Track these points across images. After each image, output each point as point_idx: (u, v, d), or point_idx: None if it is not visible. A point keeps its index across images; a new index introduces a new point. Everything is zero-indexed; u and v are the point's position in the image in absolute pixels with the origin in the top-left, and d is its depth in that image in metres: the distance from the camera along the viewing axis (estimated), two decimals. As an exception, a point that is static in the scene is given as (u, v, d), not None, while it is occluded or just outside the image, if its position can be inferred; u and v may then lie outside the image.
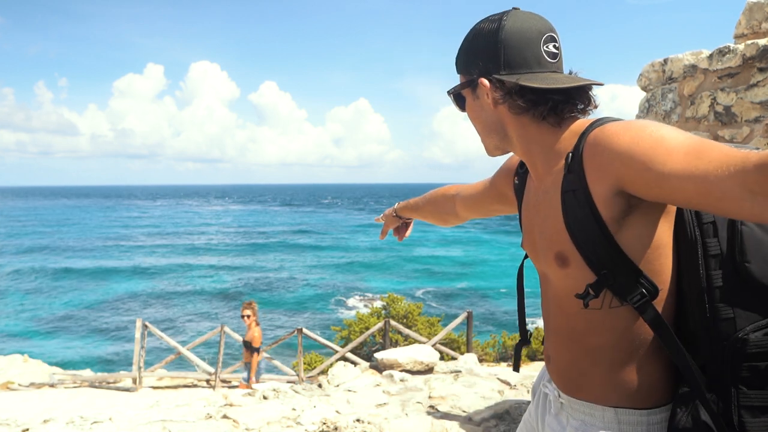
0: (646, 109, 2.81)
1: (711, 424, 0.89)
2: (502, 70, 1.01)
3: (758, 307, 0.90)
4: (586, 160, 0.95)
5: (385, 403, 4.87)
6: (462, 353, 8.43)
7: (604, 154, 0.91)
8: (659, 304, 0.98)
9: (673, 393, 1.01)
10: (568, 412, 1.11)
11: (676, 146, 0.82)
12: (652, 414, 1.01)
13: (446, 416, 4.35)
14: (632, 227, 0.95)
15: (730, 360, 0.89)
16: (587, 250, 0.96)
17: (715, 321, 0.91)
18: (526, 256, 1.26)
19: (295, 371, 8.66)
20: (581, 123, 1.02)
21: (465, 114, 1.14)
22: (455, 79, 1.13)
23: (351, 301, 28.00)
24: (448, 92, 1.14)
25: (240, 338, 8.93)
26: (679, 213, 0.98)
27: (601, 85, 1.02)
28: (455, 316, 10.07)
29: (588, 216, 0.94)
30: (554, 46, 1.02)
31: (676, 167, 0.80)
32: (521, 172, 1.23)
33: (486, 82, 1.02)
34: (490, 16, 1.06)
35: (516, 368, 1.41)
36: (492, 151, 1.13)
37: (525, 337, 1.36)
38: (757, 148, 0.80)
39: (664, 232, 0.97)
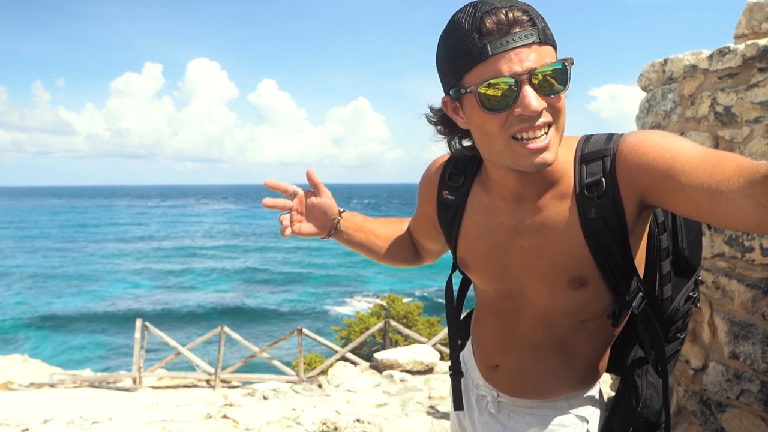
0: (646, 110, 2.81)
1: (658, 380, 1.08)
2: None
3: (685, 280, 1.11)
4: (622, 181, 0.91)
5: (385, 403, 4.87)
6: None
7: (631, 169, 0.89)
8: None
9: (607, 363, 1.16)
10: (509, 409, 1.14)
11: (694, 156, 0.82)
12: (594, 387, 1.13)
13: (446, 416, 4.35)
14: (635, 236, 0.97)
15: (665, 326, 1.11)
16: (610, 271, 0.96)
17: (661, 302, 1.08)
18: (452, 275, 1.20)
19: (295, 371, 8.66)
20: (567, 140, 0.98)
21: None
22: None
23: (351, 301, 28.00)
24: None
25: (241, 339, 8.93)
26: None
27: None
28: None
29: (618, 241, 0.93)
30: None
31: (692, 177, 0.80)
32: (456, 186, 1.11)
33: None
34: None
35: (460, 406, 1.23)
36: None
37: (459, 369, 1.26)
38: None
39: (645, 234, 1.01)
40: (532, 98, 0.84)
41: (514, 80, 0.83)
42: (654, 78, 2.72)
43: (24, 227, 66.89)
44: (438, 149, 1.10)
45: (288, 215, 1.22)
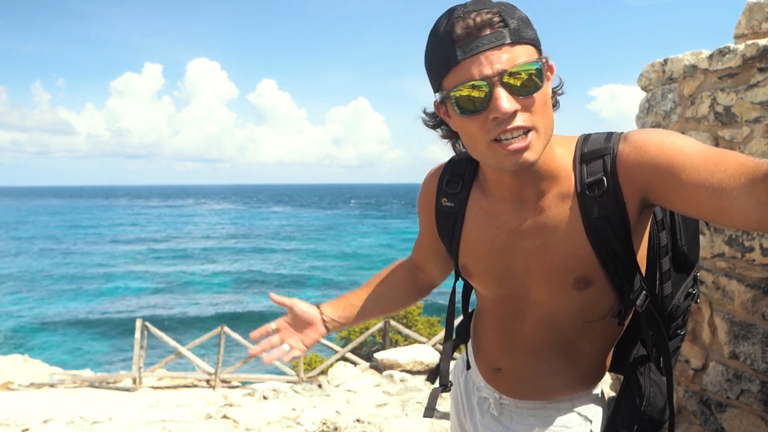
0: (646, 110, 2.81)
1: (661, 377, 1.08)
2: None
3: (684, 276, 1.11)
4: (624, 180, 0.91)
5: (385, 403, 4.87)
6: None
7: (633, 168, 0.89)
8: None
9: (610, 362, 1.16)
10: (511, 411, 1.14)
11: (696, 153, 0.82)
12: (597, 387, 1.13)
13: (446, 416, 4.34)
14: (637, 234, 0.97)
15: (666, 323, 1.10)
16: (614, 270, 0.96)
17: (662, 299, 1.08)
18: (455, 285, 1.20)
19: (295, 371, 8.66)
20: (566, 140, 0.99)
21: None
22: None
23: (351, 301, 27.94)
24: None
25: (241, 338, 8.92)
26: None
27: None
28: (455, 316, 10.04)
29: (621, 239, 0.93)
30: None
31: (694, 175, 0.80)
32: (454, 192, 1.11)
33: None
34: None
35: (431, 414, 1.25)
36: None
37: (447, 382, 1.26)
38: None
39: (646, 233, 1.01)
40: (503, 100, 0.84)
41: (485, 83, 0.84)
42: (654, 78, 2.73)
43: (23, 227, 66.88)
44: (438, 149, 1.11)
45: (283, 344, 1.27)
